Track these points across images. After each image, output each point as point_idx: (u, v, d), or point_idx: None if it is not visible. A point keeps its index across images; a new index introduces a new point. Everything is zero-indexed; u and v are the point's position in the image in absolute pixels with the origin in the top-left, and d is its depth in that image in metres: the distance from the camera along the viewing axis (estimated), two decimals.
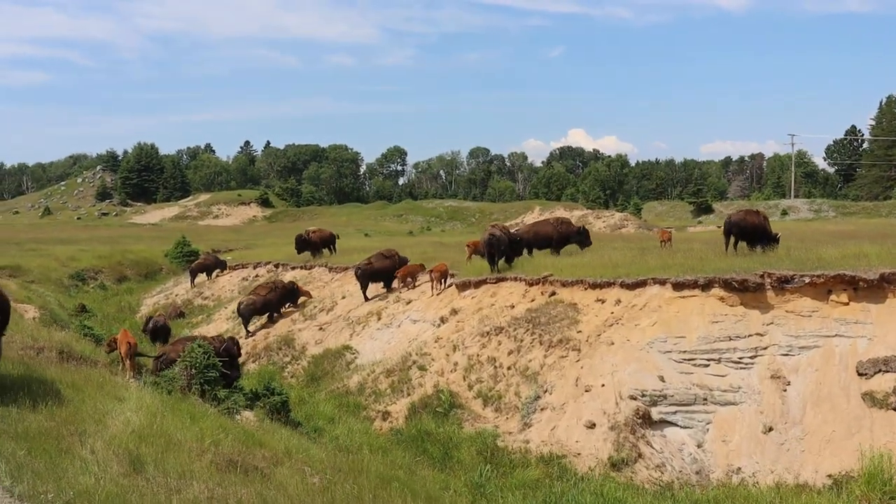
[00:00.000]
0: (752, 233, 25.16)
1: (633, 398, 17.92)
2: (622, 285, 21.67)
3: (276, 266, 43.47)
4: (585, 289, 22.48)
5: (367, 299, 30.62)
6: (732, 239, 25.13)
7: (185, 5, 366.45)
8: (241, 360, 24.94)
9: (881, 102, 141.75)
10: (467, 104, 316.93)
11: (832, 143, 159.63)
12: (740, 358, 19.01)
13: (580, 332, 20.60)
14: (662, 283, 20.99)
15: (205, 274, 46.52)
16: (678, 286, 20.60)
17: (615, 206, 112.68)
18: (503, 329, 22.18)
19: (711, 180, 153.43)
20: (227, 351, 17.01)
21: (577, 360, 19.59)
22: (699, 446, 17.67)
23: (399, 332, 26.93)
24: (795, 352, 18.91)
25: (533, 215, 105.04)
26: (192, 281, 45.91)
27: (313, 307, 32.40)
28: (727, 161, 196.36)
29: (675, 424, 17.96)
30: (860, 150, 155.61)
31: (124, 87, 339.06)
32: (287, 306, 33.41)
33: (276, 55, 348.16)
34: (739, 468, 17.14)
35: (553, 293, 23.04)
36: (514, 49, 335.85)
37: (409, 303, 28.63)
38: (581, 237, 28.95)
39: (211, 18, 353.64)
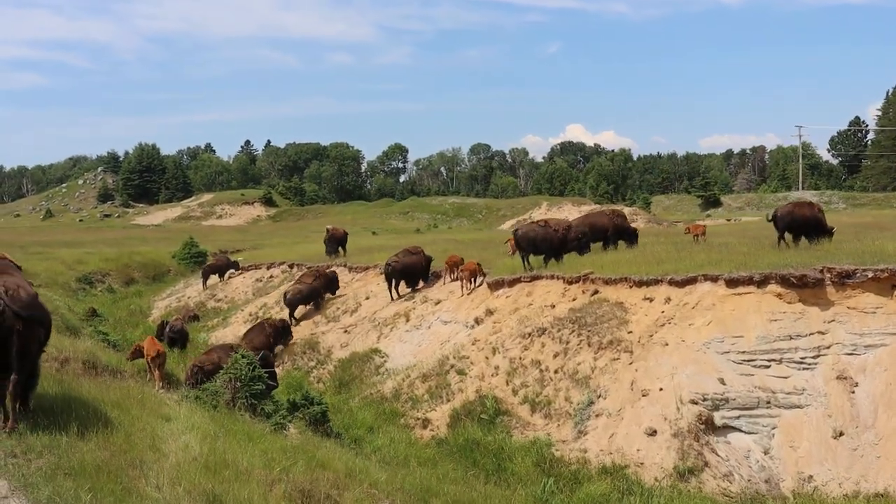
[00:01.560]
0: (803, 226, 24.22)
1: (694, 402, 16.88)
2: (671, 283, 20.64)
3: (291, 266, 42.40)
4: (630, 287, 21.44)
5: (393, 299, 29.59)
6: (786, 233, 24.31)
7: (183, 6, 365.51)
8: None
9: (888, 93, 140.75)
10: (466, 101, 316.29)
11: (836, 134, 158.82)
12: (802, 358, 18.00)
13: (630, 332, 19.54)
14: (714, 279, 19.97)
15: (217, 275, 45.46)
16: (732, 283, 19.58)
17: (623, 201, 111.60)
18: (546, 330, 21.12)
19: (714, 173, 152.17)
20: (265, 360, 15.97)
21: (631, 363, 18.53)
22: (766, 453, 16.64)
23: (429, 334, 25.91)
24: (861, 350, 17.91)
25: (541, 210, 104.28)
26: (205, 283, 44.88)
27: (336, 308, 31.35)
28: (729, 154, 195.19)
29: (740, 430, 16.93)
30: (864, 141, 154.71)
31: (124, 89, 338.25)
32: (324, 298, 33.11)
33: (275, 55, 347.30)
34: (811, 476, 16.12)
35: (595, 292, 22.00)
36: (512, 45, 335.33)
37: (438, 303, 27.61)
38: (634, 233, 27.66)
39: (210, 19, 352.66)
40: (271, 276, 42.64)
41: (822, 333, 18.26)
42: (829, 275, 18.89)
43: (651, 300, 20.51)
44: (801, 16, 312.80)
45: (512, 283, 25.26)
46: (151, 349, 18.00)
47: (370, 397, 22.19)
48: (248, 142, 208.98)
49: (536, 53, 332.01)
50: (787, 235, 24.97)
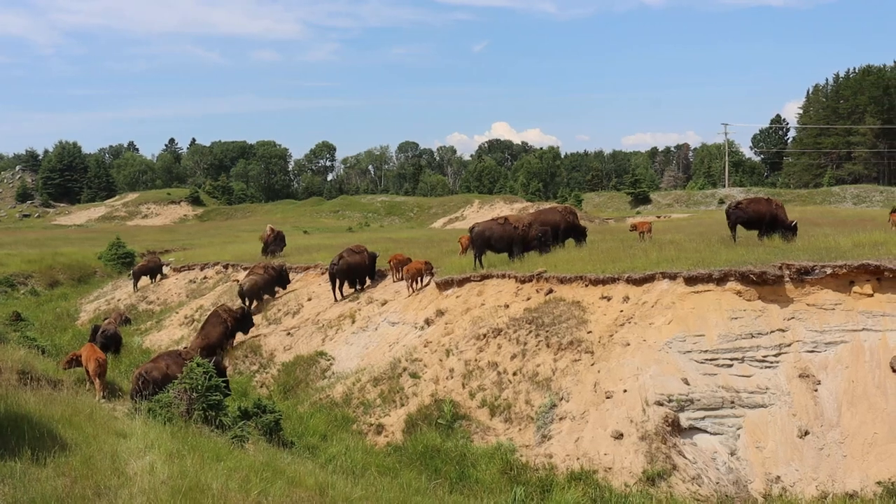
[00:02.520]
0: (757, 221, 24.16)
1: (659, 404, 16.50)
2: (628, 281, 20.27)
3: (226, 267, 41.15)
4: (586, 285, 21.01)
5: (337, 300, 28.73)
6: (738, 229, 24.31)
7: (103, 0, 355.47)
8: None
9: (808, 91, 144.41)
10: (393, 99, 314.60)
11: (758, 132, 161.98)
12: (764, 356, 17.79)
13: (590, 332, 19.09)
14: (673, 277, 19.66)
15: (148, 277, 43.89)
16: (691, 280, 19.28)
17: (555, 199, 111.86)
18: (501, 331, 20.57)
19: (640, 171, 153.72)
20: (217, 367, 15.06)
21: (593, 364, 18.08)
22: (732, 454, 16.34)
23: (377, 336, 25.15)
24: (822, 348, 17.78)
25: (473, 209, 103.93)
26: (136, 285, 43.28)
27: (277, 310, 30.35)
28: (654, 152, 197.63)
29: (705, 431, 16.61)
30: (785, 138, 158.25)
31: (42, 84, 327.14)
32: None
33: (199, 51, 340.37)
34: (778, 477, 15.88)
35: (550, 291, 21.51)
36: (439, 43, 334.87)
37: (384, 304, 26.85)
38: (584, 231, 27.22)
39: (131, 14, 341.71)
40: (205, 278, 41.30)
41: (783, 331, 18.08)
42: (787, 271, 18.72)
43: (609, 299, 20.11)
44: (721, 16, 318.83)
45: (461, 282, 24.65)
46: (92, 357, 16.88)
47: (319, 402, 21.35)
48: (172, 140, 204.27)
49: (463, 52, 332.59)
50: (737, 230, 24.94)
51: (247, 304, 30.71)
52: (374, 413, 20.01)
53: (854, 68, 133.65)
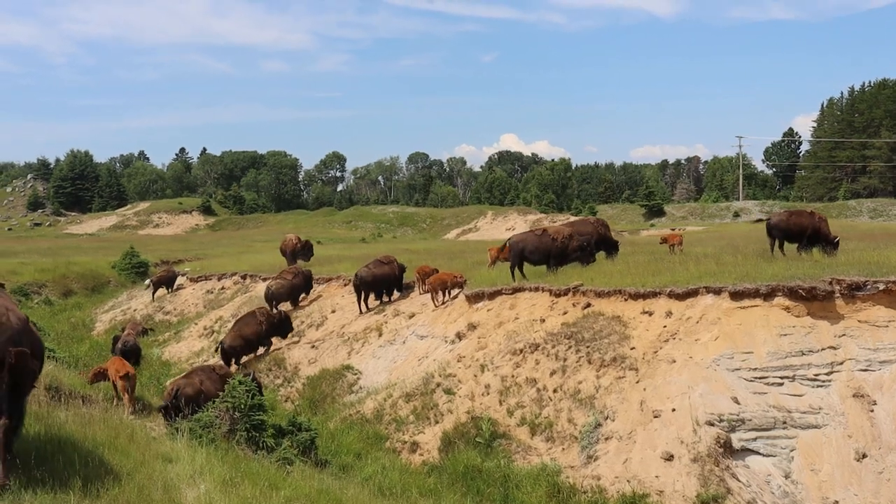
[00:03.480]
0: (799, 235, 23.51)
1: (710, 424, 15.82)
2: (670, 295, 19.60)
3: (244, 277, 40.59)
4: (626, 300, 20.36)
5: (362, 312, 28.14)
6: (777, 242, 23.65)
7: (113, 10, 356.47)
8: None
9: (822, 105, 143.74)
10: (402, 110, 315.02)
11: (770, 145, 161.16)
12: (816, 375, 17.09)
13: (633, 348, 18.42)
14: (717, 292, 18.98)
15: (165, 287, 43.37)
16: (737, 295, 18.60)
17: (569, 210, 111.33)
18: (539, 346, 19.91)
19: (651, 183, 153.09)
20: (256, 381, 14.45)
21: (637, 381, 17.41)
22: (787, 477, 15.62)
23: (405, 350, 24.54)
24: (875, 366, 17.10)
25: (486, 220, 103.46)
26: (154, 295, 42.77)
27: (300, 322, 29.73)
28: (664, 164, 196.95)
29: (757, 452, 15.90)
30: (798, 152, 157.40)
31: (53, 94, 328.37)
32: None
33: (209, 61, 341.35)
34: (836, 502, 15.19)
35: (588, 305, 20.86)
36: (449, 54, 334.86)
37: (411, 316, 26.25)
38: (615, 245, 26.57)
39: (140, 24, 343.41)
40: (223, 288, 40.74)
41: (834, 349, 17.41)
42: (838, 287, 18.06)
43: (650, 314, 19.44)
44: (730, 30, 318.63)
45: (493, 295, 24.03)
46: (121, 371, 16.29)
47: (349, 418, 20.71)
48: (182, 149, 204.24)
49: (473, 63, 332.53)
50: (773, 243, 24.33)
51: (274, 307, 30.24)
52: (408, 430, 19.38)
53: (869, 82, 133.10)
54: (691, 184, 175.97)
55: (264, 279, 38.06)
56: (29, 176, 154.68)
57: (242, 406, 12.24)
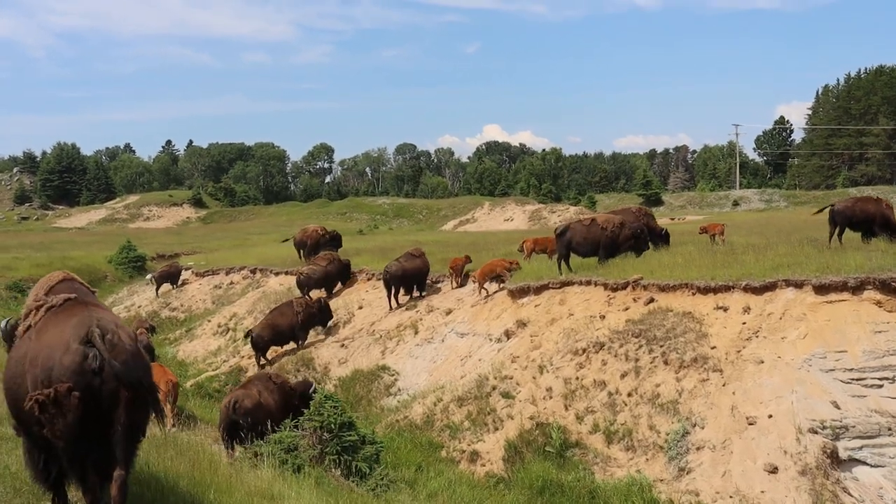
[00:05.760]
0: (865, 222, 22.11)
1: (813, 432, 14.36)
2: (746, 289, 18.09)
3: (253, 271, 38.89)
4: (694, 294, 18.85)
5: (392, 308, 26.57)
6: (838, 229, 22.25)
7: (91, 2, 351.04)
8: None
9: (817, 92, 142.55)
10: (385, 102, 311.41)
11: (762, 133, 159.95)
12: None
13: (714, 347, 16.91)
14: (799, 285, 17.48)
15: (169, 283, 41.62)
16: (821, 289, 17.12)
17: (568, 201, 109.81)
18: (604, 345, 18.37)
19: (639, 173, 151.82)
20: (315, 395, 12.85)
21: (724, 384, 15.91)
22: None
23: (445, 349, 23.03)
24: None
25: (483, 210, 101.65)
26: (157, 290, 41.03)
27: None
28: (652, 153, 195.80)
29: (865, 463, 14.45)
30: (789, 140, 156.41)
31: (35, 86, 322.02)
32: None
33: (189, 53, 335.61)
34: None
35: (651, 300, 19.34)
36: (430, 46, 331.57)
37: (448, 313, 24.71)
38: (665, 235, 25.07)
39: (119, 15, 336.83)
40: (231, 283, 39.04)
41: None
42: None
43: (725, 310, 17.93)
44: (713, 19, 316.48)
45: (539, 289, 22.51)
46: (161, 380, 14.67)
47: (397, 425, 19.14)
48: (169, 141, 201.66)
49: (454, 54, 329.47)
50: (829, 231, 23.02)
51: (306, 294, 29.11)
52: (464, 438, 17.84)
53: (866, 68, 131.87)
54: (684, 172, 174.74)
55: (276, 273, 36.50)
56: (15, 169, 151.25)
57: (332, 426, 10.67)
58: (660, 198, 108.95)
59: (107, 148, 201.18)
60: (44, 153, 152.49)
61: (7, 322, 8.28)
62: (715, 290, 18.54)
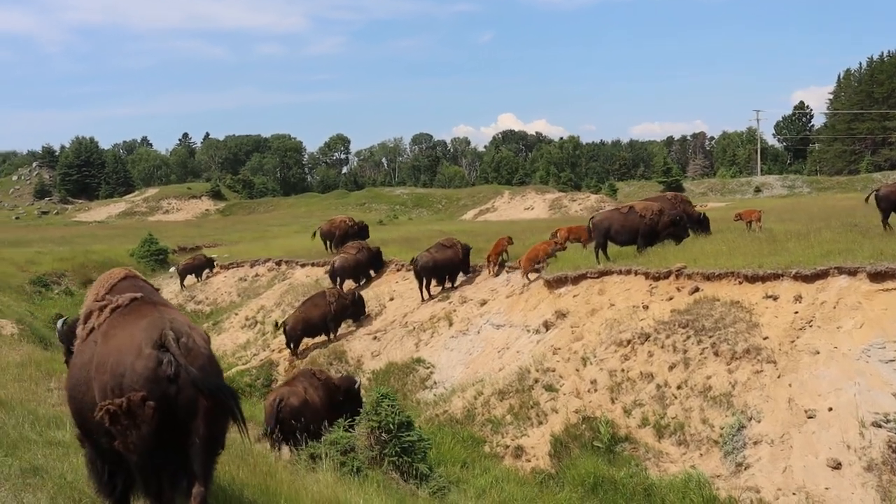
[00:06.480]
0: None
1: (877, 425, 13.80)
2: (796, 277, 17.50)
3: (278, 263, 38.55)
4: (740, 282, 18.27)
5: (424, 299, 26.12)
6: (882, 214, 21.65)
7: None
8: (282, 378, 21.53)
9: (839, 76, 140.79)
10: (399, 92, 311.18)
11: (781, 119, 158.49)
12: None
13: (766, 338, 16.34)
14: (853, 272, 16.86)
15: (194, 275, 41.34)
16: (877, 277, 16.48)
17: (589, 189, 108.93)
18: (649, 336, 17.85)
19: (657, 160, 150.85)
20: (359, 391, 12.40)
21: (779, 376, 15.37)
22: None
23: (481, 341, 22.56)
24: None
25: (503, 199, 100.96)
26: (182, 283, 40.76)
27: None
28: (670, 140, 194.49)
29: None
30: (808, 126, 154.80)
31: (51, 82, 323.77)
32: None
33: (203, 46, 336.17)
34: None
35: (696, 289, 18.77)
36: (444, 35, 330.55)
37: (483, 304, 24.23)
38: (700, 221, 24.52)
39: (133, 10, 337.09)
40: (257, 275, 38.71)
41: None
42: None
43: (775, 298, 17.34)
44: (726, 5, 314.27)
45: (577, 279, 21.99)
46: None
47: (436, 419, 18.70)
48: (185, 134, 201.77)
49: (469, 43, 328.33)
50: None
51: (338, 284, 28.92)
52: (507, 432, 17.39)
53: (889, 52, 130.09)
54: (703, 159, 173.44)
55: (302, 265, 36.15)
56: (34, 164, 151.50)
57: (391, 426, 10.23)
58: (680, 185, 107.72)
59: (124, 141, 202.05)
60: (62, 148, 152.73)
61: (64, 321, 7.80)
62: (763, 279, 17.97)
